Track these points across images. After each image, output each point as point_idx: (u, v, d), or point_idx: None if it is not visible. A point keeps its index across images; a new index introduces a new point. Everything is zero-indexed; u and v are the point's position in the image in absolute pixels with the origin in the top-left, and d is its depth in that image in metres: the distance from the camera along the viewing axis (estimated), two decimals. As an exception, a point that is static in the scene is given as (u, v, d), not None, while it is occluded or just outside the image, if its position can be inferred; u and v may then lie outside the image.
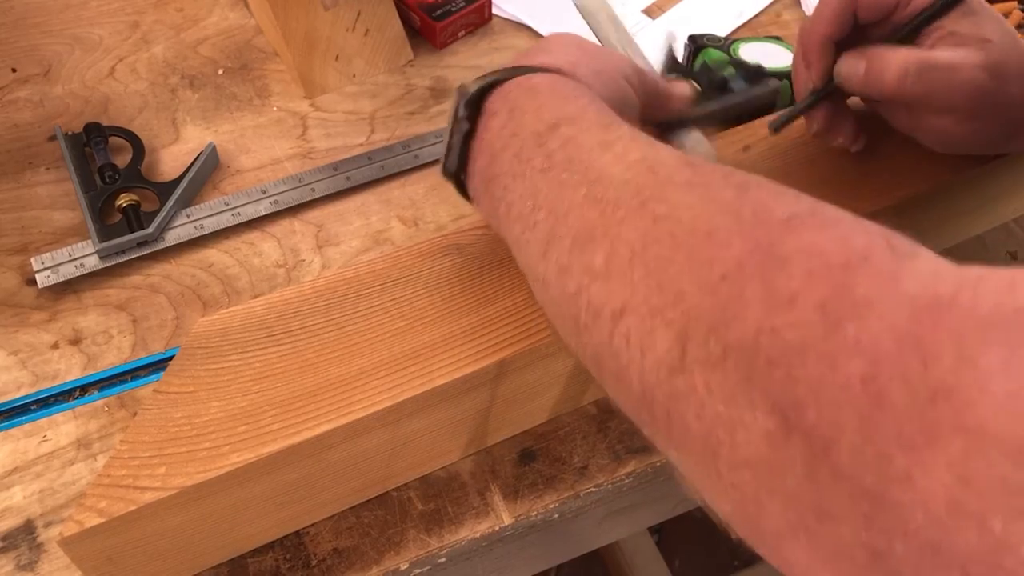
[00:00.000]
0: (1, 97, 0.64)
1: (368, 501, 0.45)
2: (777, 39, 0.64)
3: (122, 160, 0.58)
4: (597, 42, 0.49)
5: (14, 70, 0.66)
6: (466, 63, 0.68)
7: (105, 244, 0.53)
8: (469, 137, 0.39)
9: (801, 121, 0.51)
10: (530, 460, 0.47)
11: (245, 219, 0.56)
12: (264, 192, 0.57)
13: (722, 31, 0.70)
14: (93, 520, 0.36)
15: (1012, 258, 0.57)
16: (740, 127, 0.53)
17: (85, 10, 0.70)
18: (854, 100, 0.49)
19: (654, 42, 0.70)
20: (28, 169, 0.59)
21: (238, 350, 0.41)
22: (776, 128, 0.48)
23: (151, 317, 0.52)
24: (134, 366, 0.49)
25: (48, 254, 0.53)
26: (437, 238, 0.46)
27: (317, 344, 0.42)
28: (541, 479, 0.47)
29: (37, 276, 0.52)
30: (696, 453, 0.27)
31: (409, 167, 0.60)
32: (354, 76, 0.66)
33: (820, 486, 0.23)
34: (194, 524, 0.39)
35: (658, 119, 0.46)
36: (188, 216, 0.56)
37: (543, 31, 0.70)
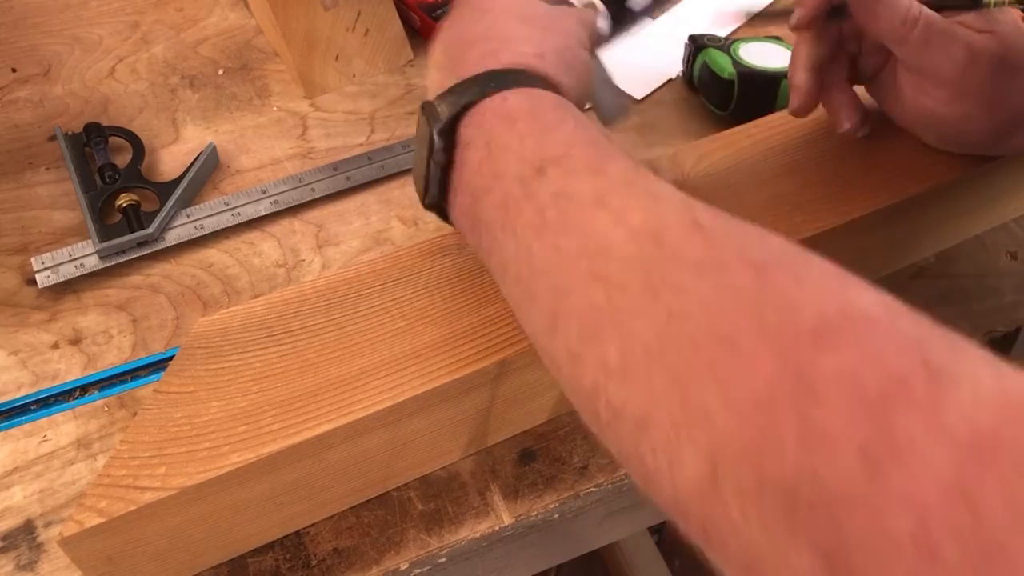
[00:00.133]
0: (1, 97, 0.64)
1: (368, 501, 0.45)
2: (777, 39, 0.64)
3: (122, 160, 0.58)
4: None
5: (14, 70, 0.66)
6: (466, 63, 0.68)
7: (105, 244, 0.53)
8: (446, 168, 0.37)
9: (803, 121, 0.51)
10: (530, 460, 0.47)
11: (245, 219, 0.56)
12: (264, 192, 0.57)
13: (722, 31, 0.70)
14: (93, 520, 0.36)
15: (1012, 258, 0.57)
16: (748, 125, 0.53)
17: (85, 10, 0.70)
18: (860, 90, 0.50)
19: (654, 42, 0.70)
20: (28, 169, 0.59)
21: (238, 350, 0.41)
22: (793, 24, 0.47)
23: (151, 317, 0.52)
24: (134, 366, 0.49)
25: (48, 254, 0.53)
26: (437, 238, 0.46)
27: (317, 344, 0.42)
28: (541, 479, 0.47)
29: (37, 276, 0.52)
30: (737, 568, 0.26)
31: (409, 167, 0.60)
32: (354, 76, 0.66)
33: None
34: (194, 524, 0.39)
35: None
36: (188, 216, 0.56)
37: (543, 31, 0.70)
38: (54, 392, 0.48)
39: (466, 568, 0.46)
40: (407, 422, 0.41)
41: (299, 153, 0.61)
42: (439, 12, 0.67)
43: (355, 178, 0.59)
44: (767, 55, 0.62)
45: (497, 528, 0.45)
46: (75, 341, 0.50)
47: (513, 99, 0.36)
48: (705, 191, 0.48)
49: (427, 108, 0.37)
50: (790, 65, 0.48)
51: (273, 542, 0.44)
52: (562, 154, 0.34)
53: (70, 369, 0.49)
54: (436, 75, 0.41)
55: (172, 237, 0.55)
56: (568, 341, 0.31)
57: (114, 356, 0.50)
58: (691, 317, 0.27)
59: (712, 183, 0.49)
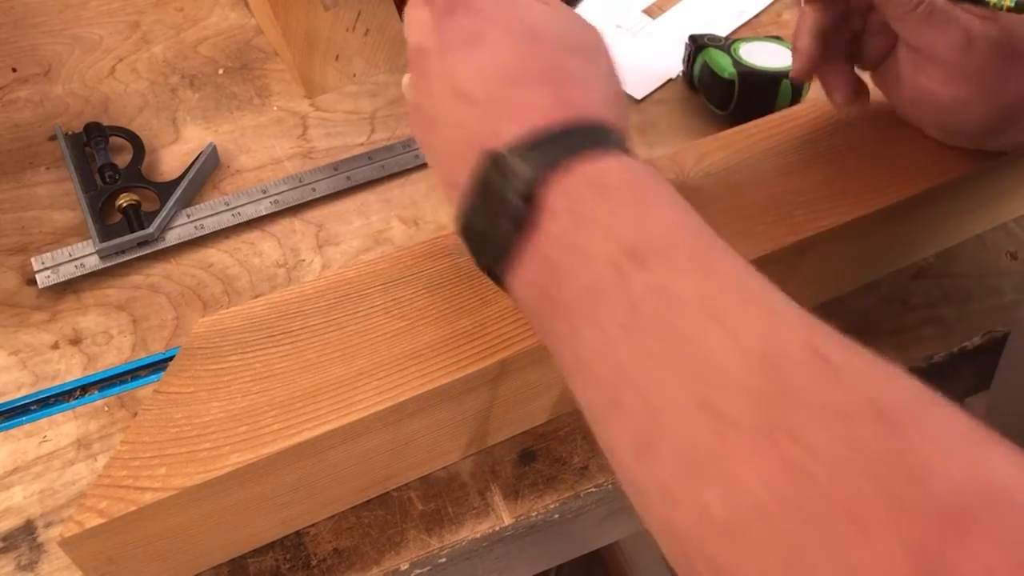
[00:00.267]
0: (1, 97, 0.64)
1: (368, 501, 0.45)
2: (777, 39, 0.64)
3: (122, 160, 0.58)
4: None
5: (14, 70, 0.66)
6: (466, 63, 0.68)
7: (105, 244, 0.53)
8: (517, 232, 0.32)
9: (804, 121, 0.51)
10: (530, 460, 0.47)
11: (245, 219, 0.56)
12: (264, 192, 0.57)
13: (722, 31, 0.70)
14: (93, 521, 0.36)
15: (1012, 258, 0.57)
16: (748, 125, 0.53)
17: (85, 10, 0.70)
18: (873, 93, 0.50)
19: (654, 42, 0.70)
20: (28, 169, 0.59)
21: (238, 350, 0.41)
22: None
23: (151, 317, 0.52)
24: (134, 366, 0.49)
25: (48, 254, 0.53)
26: (437, 238, 0.46)
27: (317, 344, 0.42)
28: (541, 479, 0.47)
29: (37, 276, 0.52)
30: None
31: (409, 167, 0.60)
32: (354, 76, 0.66)
33: None
34: (194, 524, 0.39)
35: None
36: (188, 216, 0.56)
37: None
38: (54, 392, 0.48)
39: (466, 568, 0.46)
40: (407, 422, 0.41)
41: (299, 153, 0.61)
42: (439, 12, 0.67)
43: (355, 178, 0.59)
44: (767, 55, 0.62)
45: (497, 528, 0.45)
46: (75, 341, 0.50)
47: (606, 166, 0.31)
48: (705, 191, 0.48)
49: (499, 161, 0.32)
50: (795, 31, 0.49)
51: (273, 542, 0.44)
52: (663, 241, 0.29)
53: (70, 369, 0.49)
54: (474, 113, 0.35)
55: (172, 237, 0.55)
56: (661, 473, 0.27)
57: (114, 356, 0.50)
58: (814, 478, 0.23)
59: (712, 183, 0.49)
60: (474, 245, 0.34)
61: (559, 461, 0.47)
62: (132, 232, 0.54)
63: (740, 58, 0.61)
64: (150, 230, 0.54)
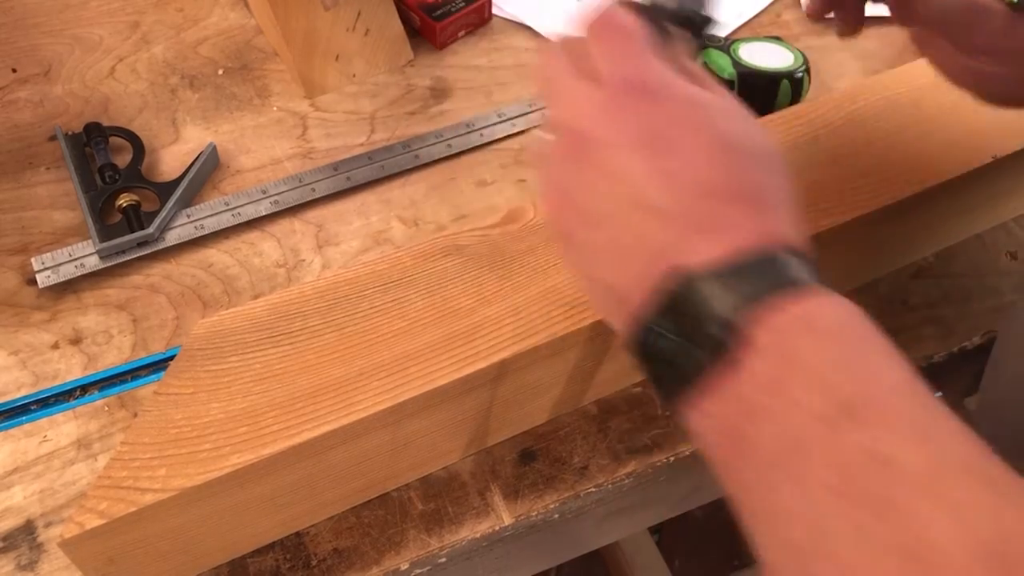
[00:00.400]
0: (1, 97, 0.64)
1: (368, 501, 0.45)
2: (777, 39, 0.64)
3: (122, 160, 0.58)
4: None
5: (14, 70, 0.65)
6: (466, 63, 0.68)
7: (105, 244, 0.53)
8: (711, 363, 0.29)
9: (803, 121, 0.51)
10: (530, 460, 0.47)
11: (245, 219, 0.56)
12: (264, 192, 0.57)
13: (721, 31, 0.70)
14: (94, 521, 0.36)
15: (1012, 258, 0.57)
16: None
17: (85, 10, 0.70)
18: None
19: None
20: (28, 169, 0.59)
21: (238, 351, 0.41)
22: None
23: (151, 317, 0.52)
24: (134, 366, 0.49)
25: (48, 254, 0.53)
26: (437, 238, 0.46)
27: (317, 345, 0.42)
28: (541, 479, 0.47)
29: (37, 276, 0.52)
30: None
31: (409, 167, 0.60)
32: (354, 76, 0.66)
33: None
34: (195, 525, 0.39)
35: None
36: (188, 216, 0.56)
37: (543, 31, 0.70)
38: (54, 392, 0.48)
39: (466, 568, 0.46)
40: (407, 423, 0.41)
41: (299, 153, 0.61)
42: (439, 12, 0.67)
43: (355, 178, 0.59)
44: (767, 55, 0.62)
45: (497, 528, 0.45)
46: (75, 341, 0.50)
47: (818, 305, 0.29)
48: (705, 191, 0.48)
49: (696, 283, 0.29)
50: None
51: (273, 542, 0.44)
52: (881, 398, 0.27)
53: (70, 369, 0.49)
54: (661, 224, 0.31)
55: (172, 237, 0.55)
56: None
57: (114, 356, 0.50)
58: None
59: (712, 183, 0.49)
60: (653, 367, 0.31)
61: (559, 461, 0.47)
62: (132, 232, 0.54)
63: (739, 58, 0.61)
64: (150, 230, 0.54)
